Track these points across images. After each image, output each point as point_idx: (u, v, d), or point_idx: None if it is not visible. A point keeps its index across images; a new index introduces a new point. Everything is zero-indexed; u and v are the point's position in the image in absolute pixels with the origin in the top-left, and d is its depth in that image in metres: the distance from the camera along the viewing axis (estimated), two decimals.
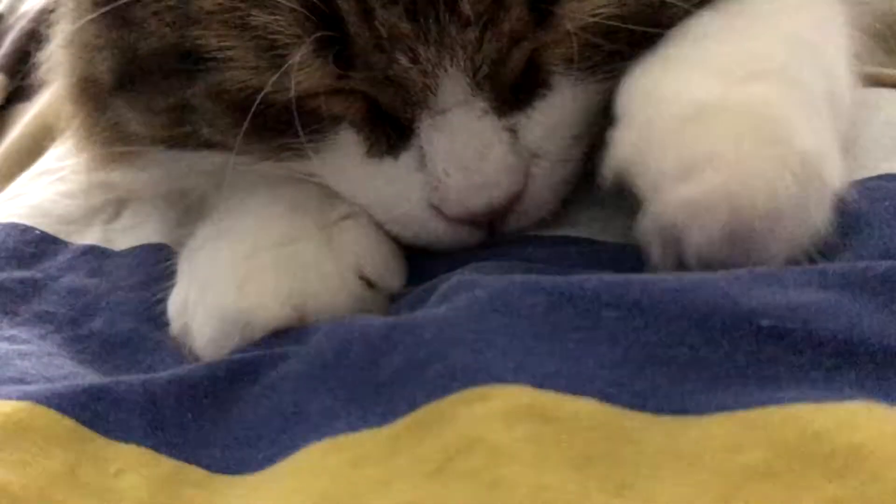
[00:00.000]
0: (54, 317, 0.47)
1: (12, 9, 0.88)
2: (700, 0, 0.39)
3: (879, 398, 0.28)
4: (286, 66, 0.36)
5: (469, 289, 0.33)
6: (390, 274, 0.42)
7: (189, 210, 0.48)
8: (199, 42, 0.37)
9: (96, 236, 0.53)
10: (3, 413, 0.35)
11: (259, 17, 0.35)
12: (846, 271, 0.35)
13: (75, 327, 0.46)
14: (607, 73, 0.39)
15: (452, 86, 0.37)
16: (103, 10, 0.40)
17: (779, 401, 0.28)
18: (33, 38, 0.77)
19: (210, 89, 0.38)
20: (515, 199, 0.39)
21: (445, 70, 0.36)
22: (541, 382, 0.29)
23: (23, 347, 0.42)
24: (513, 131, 0.38)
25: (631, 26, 0.37)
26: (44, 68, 0.52)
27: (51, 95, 0.69)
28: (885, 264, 0.36)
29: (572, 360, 0.29)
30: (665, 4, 0.38)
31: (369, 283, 0.41)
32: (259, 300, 0.39)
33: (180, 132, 0.42)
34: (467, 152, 0.37)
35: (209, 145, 0.42)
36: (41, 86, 0.72)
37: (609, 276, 0.32)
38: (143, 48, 0.40)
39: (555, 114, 0.39)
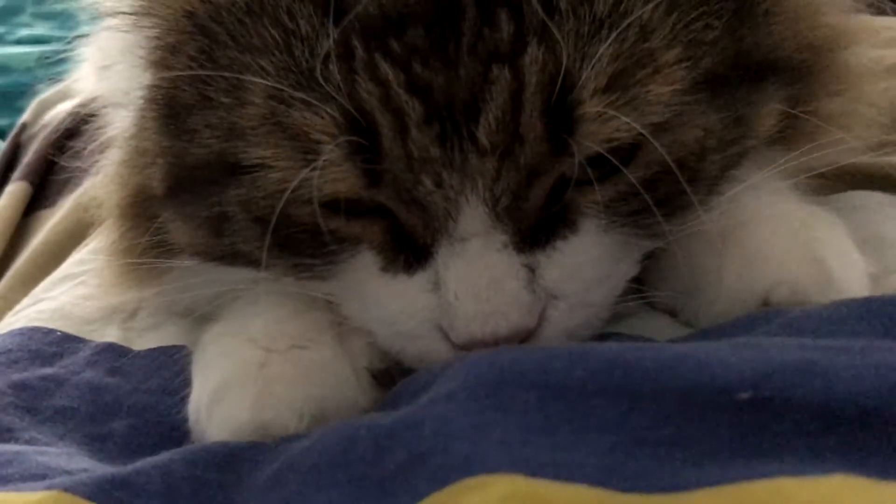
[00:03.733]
0: (75, 412, 0.46)
1: (36, 118, 0.90)
2: (738, 153, 0.39)
3: (861, 470, 0.28)
4: (317, 161, 0.35)
5: (462, 379, 0.33)
6: (398, 370, 0.41)
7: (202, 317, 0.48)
8: (240, 152, 0.37)
9: (115, 335, 0.52)
10: (30, 502, 0.35)
11: (296, 116, 0.35)
12: (821, 328, 0.36)
13: (95, 425, 0.45)
14: (638, 226, 0.38)
15: (473, 215, 0.36)
16: (166, 120, 0.40)
17: (763, 474, 0.28)
18: (56, 147, 0.79)
19: (242, 197, 0.38)
20: (525, 336, 0.38)
21: (467, 198, 0.36)
22: (535, 471, 0.28)
23: (43, 449, 0.42)
24: (531, 269, 0.37)
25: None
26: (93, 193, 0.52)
27: (73, 202, 0.71)
28: (855, 316, 0.36)
29: (564, 450, 0.29)
30: (703, 155, 0.37)
31: (378, 378, 0.41)
32: (276, 413, 0.38)
33: (218, 243, 0.42)
34: (481, 281, 0.36)
35: (241, 257, 0.41)
36: (64, 193, 0.74)
37: (594, 360, 0.32)
38: (191, 157, 0.40)
39: (578, 257, 0.38)
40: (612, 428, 0.29)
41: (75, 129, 0.74)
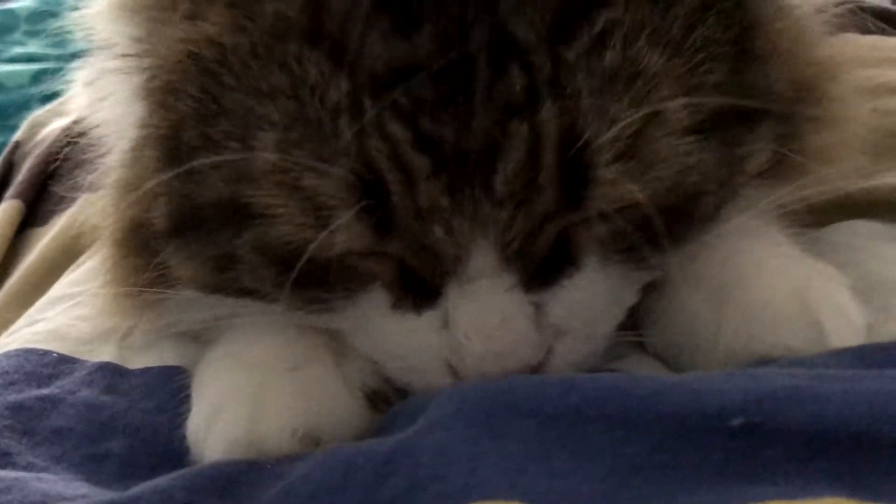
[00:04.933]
0: (72, 432, 0.45)
1: (30, 136, 0.89)
2: (731, 191, 0.39)
3: (852, 493, 0.28)
4: (331, 227, 0.35)
5: (457, 405, 0.33)
6: (395, 392, 0.41)
7: (198, 337, 0.48)
8: (251, 199, 0.37)
9: (111, 354, 0.52)
10: None
11: (309, 180, 0.35)
12: (813, 357, 0.36)
13: (92, 445, 0.45)
14: (640, 261, 0.38)
15: (482, 258, 0.36)
16: (168, 160, 0.40)
17: (756, 498, 0.28)
18: (50, 166, 0.79)
19: (256, 242, 0.38)
20: (533, 370, 0.38)
21: (477, 243, 0.36)
22: (532, 498, 0.28)
23: (41, 475, 0.41)
24: (538, 306, 0.37)
25: (661, 217, 0.36)
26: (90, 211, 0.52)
27: (68, 219, 0.70)
28: (851, 348, 0.36)
29: (561, 477, 0.29)
30: (699, 197, 0.37)
31: (373, 399, 0.41)
32: (270, 429, 0.38)
33: (223, 279, 0.41)
34: (490, 322, 0.36)
35: (247, 293, 0.41)
36: (57, 211, 0.74)
37: (589, 387, 0.32)
38: (200, 199, 0.39)
39: (582, 293, 0.38)
40: (607, 455, 0.30)
41: (68, 149, 0.73)
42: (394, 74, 0.34)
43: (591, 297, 0.38)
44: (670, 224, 0.37)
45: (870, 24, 0.70)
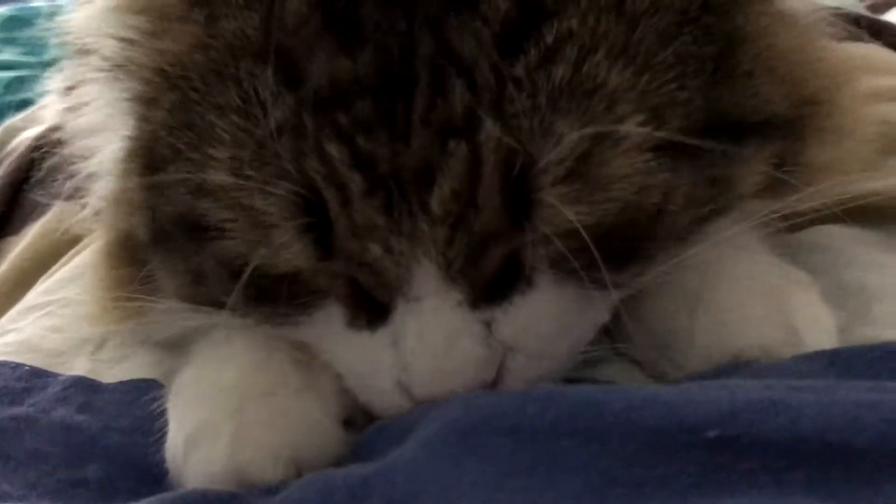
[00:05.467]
0: (48, 456, 0.44)
1: (3, 144, 0.88)
2: (715, 210, 0.38)
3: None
4: (272, 245, 0.35)
5: (436, 426, 0.32)
6: (368, 414, 0.40)
7: (174, 345, 0.47)
8: (206, 213, 0.37)
9: (84, 367, 0.51)
10: None
11: (256, 198, 0.35)
12: (787, 363, 0.36)
13: (69, 469, 0.43)
14: (592, 280, 0.36)
15: (425, 277, 0.35)
16: (145, 172, 0.40)
17: None
18: (23, 174, 0.78)
19: (214, 256, 0.38)
20: (487, 388, 0.37)
21: (418, 262, 0.35)
22: None
23: None
24: (487, 324, 0.36)
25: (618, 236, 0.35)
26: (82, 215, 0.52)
27: (40, 229, 0.69)
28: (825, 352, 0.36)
29: (537, 492, 0.29)
30: (662, 216, 0.36)
31: (349, 422, 0.40)
32: (253, 457, 0.37)
33: (198, 291, 0.41)
34: (436, 340, 0.36)
35: (220, 306, 0.41)
36: (30, 219, 0.72)
37: (565, 402, 0.31)
38: (163, 213, 0.40)
39: (534, 311, 0.37)
40: (583, 469, 0.29)
41: (42, 157, 0.72)
42: (336, 93, 0.34)
43: (545, 315, 0.37)
44: (629, 242, 0.36)
45: (864, 36, 0.70)
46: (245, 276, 0.36)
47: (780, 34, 0.40)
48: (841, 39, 0.65)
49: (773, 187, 0.40)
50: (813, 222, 0.45)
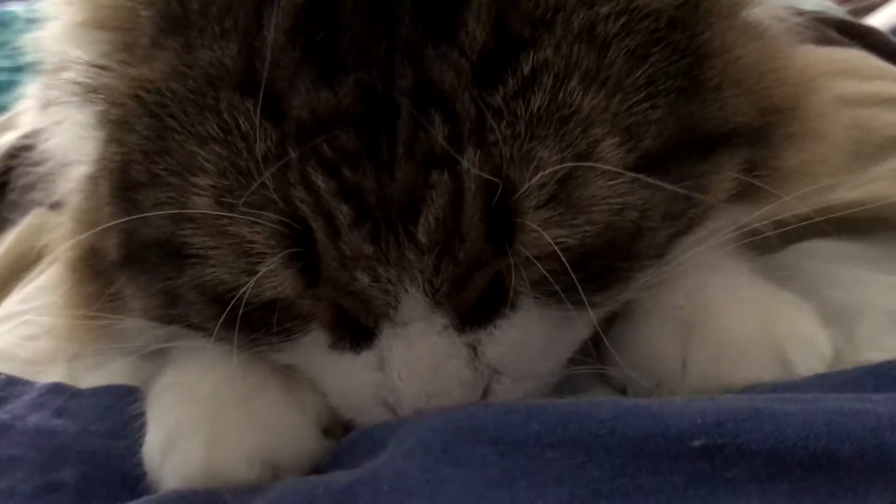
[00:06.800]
0: (23, 461, 0.44)
1: None
2: (689, 222, 0.38)
3: None
4: (258, 274, 0.35)
5: (420, 435, 0.32)
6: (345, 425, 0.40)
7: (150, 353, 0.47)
8: (188, 239, 0.37)
9: (60, 374, 0.50)
10: None
11: (239, 227, 0.35)
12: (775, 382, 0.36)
13: (44, 474, 0.43)
14: (573, 301, 0.36)
15: (412, 303, 0.36)
16: (118, 193, 0.40)
17: None
18: None
19: (195, 281, 0.38)
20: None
21: (406, 289, 0.35)
22: None
23: None
24: (472, 347, 0.37)
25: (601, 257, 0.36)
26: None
27: (16, 237, 0.68)
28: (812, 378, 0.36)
29: (522, 503, 0.28)
30: (640, 234, 0.36)
31: (327, 430, 0.40)
32: (228, 458, 0.37)
33: (171, 313, 0.41)
34: (422, 364, 0.36)
35: (195, 328, 0.41)
36: (4, 229, 0.71)
37: (550, 413, 0.31)
38: (142, 235, 0.39)
39: (518, 333, 0.37)
40: (568, 480, 0.29)
41: (17, 164, 0.71)
42: (318, 124, 0.34)
43: (529, 336, 0.38)
44: (610, 261, 0.36)
45: (834, 38, 0.70)
46: (230, 307, 0.36)
47: (746, 46, 0.40)
48: (821, 44, 0.66)
49: (747, 193, 0.40)
50: (798, 234, 0.45)
